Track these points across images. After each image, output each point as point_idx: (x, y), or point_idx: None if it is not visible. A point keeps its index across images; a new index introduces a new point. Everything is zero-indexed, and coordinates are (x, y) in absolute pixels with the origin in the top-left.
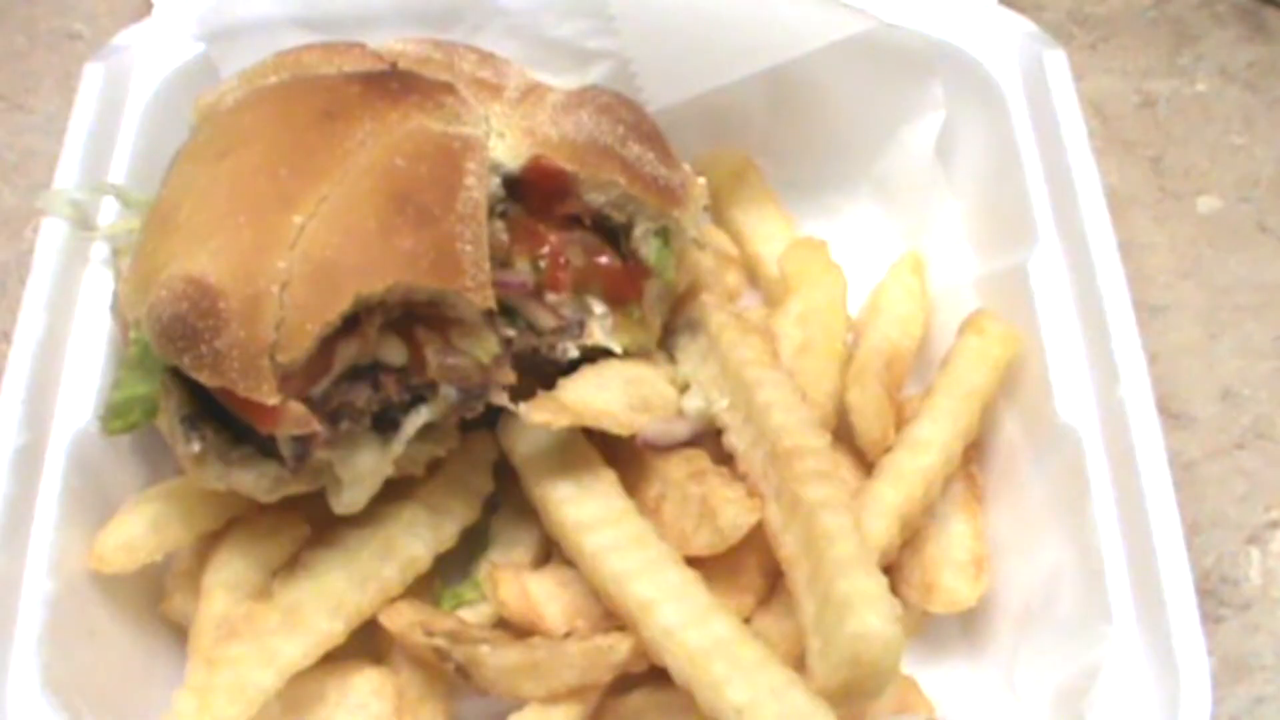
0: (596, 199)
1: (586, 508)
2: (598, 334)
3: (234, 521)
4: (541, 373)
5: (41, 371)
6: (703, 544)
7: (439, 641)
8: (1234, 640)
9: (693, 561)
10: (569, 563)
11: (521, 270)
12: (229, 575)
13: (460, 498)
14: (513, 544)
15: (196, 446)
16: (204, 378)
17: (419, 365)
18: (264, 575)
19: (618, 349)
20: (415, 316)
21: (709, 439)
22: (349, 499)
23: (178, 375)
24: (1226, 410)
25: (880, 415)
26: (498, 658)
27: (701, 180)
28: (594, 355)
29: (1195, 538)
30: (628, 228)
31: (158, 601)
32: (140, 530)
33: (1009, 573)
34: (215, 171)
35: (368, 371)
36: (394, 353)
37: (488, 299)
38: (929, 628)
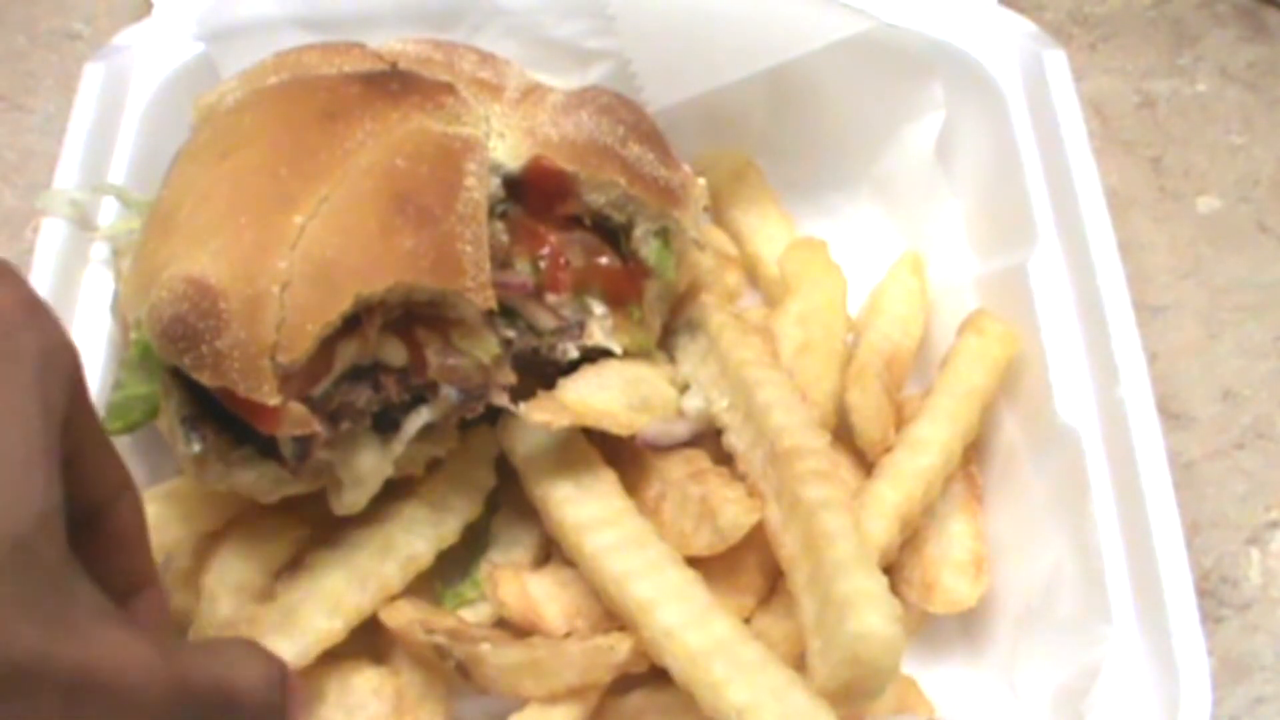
0: (597, 199)
1: (586, 508)
2: (598, 335)
3: (234, 522)
4: (541, 373)
5: None
6: (702, 544)
7: (439, 640)
8: (1234, 640)
9: (693, 561)
10: (569, 563)
11: (522, 271)
12: (231, 578)
13: (462, 493)
14: (513, 544)
15: (197, 447)
16: (204, 378)
17: (419, 366)
18: (266, 577)
19: (618, 349)
20: (415, 317)
21: (709, 439)
22: (350, 500)
23: (178, 375)
24: (1226, 410)
25: (880, 415)
26: (498, 656)
27: (701, 180)
28: (594, 355)
29: (1195, 538)
30: (628, 228)
31: None
32: None
33: (1009, 573)
34: (216, 172)
35: (368, 372)
36: (394, 353)
37: (488, 299)
38: (929, 628)
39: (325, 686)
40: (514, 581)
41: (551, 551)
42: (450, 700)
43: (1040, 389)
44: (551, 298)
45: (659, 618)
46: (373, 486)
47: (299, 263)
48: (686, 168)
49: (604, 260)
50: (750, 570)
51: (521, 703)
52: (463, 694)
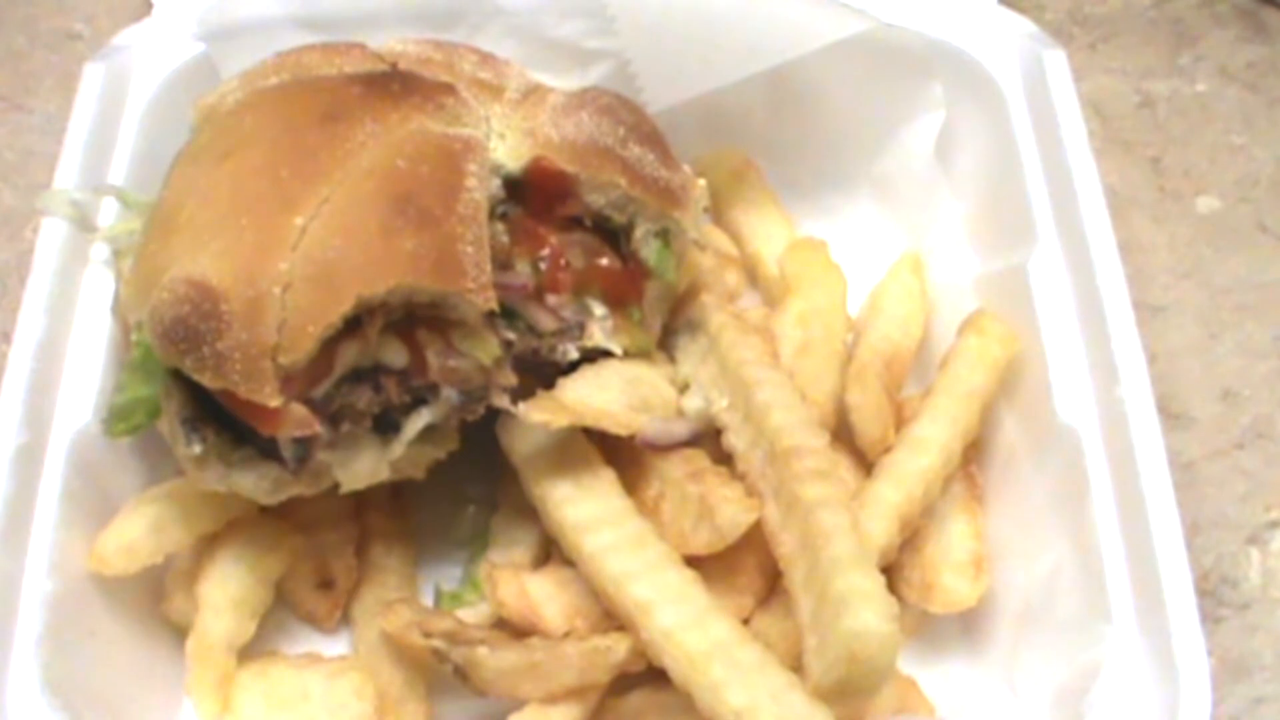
0: (597, 200)
1: (586, 508)
2: (598, 335)
3: (233, 525)
4: (541, 373)
5: (41, 371)
6: (701, 543)
7: (437, 643)
8: (1234, 640)
9: (692, 561)
10: (568, 563)
11: (522, 272)
12: (231, 590)
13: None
14: (513, 544)
15: (197, 448)
16: (206, 380)
17: (420, 367)
18: (266, 589)
19: (618, 350)
20: (416, 318)
21: (709, 439)
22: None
23: (179, 377)
24: (1226, 410)
25: (880, 415)
26: (496, 659)
27: (701, 181)
28: (594, 356)
29: (1195, 538)
30: (628, 229)
31: (158, 602)
32: (140, 532)
33: (1009, 573)
34: (217, 173)
35: (369, 373)
36: (395, 355)
37: (489, 301)
38: (929, 628)
39: (307, 686)
40: (513, 582)
41: (551, 551)
42: (431, 700)
43: (1040, 389)
44: (552, 299)
45: (657, 619)
46: (367, 484)
47: (300, 264)
48: (686, 168)
49: (604, 261)
50: (749, 571)
51: (506, 705)
52: (444, 694)
